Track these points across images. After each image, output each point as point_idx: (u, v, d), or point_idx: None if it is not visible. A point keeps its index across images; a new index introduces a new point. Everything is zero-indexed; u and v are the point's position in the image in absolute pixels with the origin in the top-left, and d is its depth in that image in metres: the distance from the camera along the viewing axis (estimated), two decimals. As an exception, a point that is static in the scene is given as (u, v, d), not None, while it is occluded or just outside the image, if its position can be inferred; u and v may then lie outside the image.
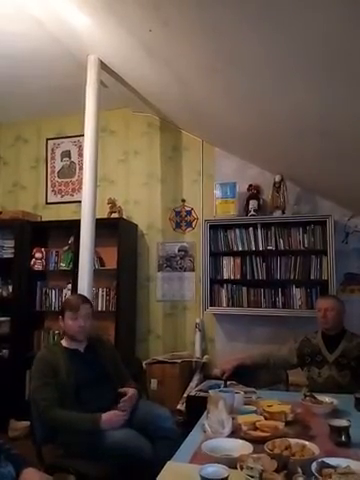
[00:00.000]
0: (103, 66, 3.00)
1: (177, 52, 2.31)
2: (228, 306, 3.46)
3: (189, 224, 3.82)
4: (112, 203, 3.76)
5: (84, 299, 2.21)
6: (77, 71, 3.07)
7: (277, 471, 1.11)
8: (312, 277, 3.28)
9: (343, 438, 1.52)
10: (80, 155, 3.89)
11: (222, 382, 2.42)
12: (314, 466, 1.19)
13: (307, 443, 1.40)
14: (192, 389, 3.04)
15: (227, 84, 2.43)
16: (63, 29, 2.65)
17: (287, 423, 1.62)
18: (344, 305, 2.57)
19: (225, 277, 3.48)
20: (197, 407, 1.88)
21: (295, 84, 2.06)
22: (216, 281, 3.50)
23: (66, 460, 1.89)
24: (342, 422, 1.56)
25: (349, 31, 1.48)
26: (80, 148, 3.87)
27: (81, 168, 3.10)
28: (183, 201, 3.84)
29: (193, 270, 3.75)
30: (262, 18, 1.63)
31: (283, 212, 3.38)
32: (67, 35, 2.72)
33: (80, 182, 3.15)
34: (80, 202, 3.01)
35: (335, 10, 1.41)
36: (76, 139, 4.01)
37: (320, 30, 1.56)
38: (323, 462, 1.21)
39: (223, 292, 3.48)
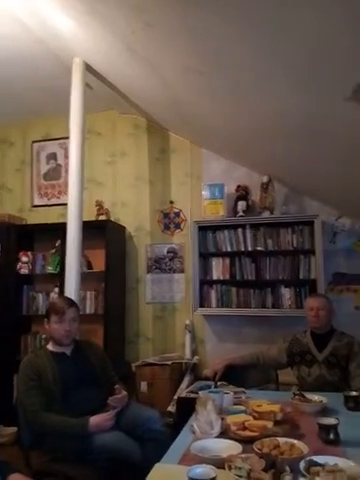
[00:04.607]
0: (88, 68, 2.99)
1: (161, 54, 2.31)
2: (218, 307, 3.45)
3: (178, 225, 3.81)
4: (99, 205, 3.74)
5: (70, 302, 2.18)
6: (62, 73, 3.05)
7: (265, 470, 1.10)
8: (301, 277, 3.29)
9: (332, 436, 1.52)
10: (66, 157, 3.84)
11: (212, 383, 2.42)
12: (302, 464, 1.19)
13: (296, 442, 1.40)
14: (182, 390, 3.02)
15: (212, 85, 2.44)
16: (48, 32, 2.63)
17: (276, 422, 1.62)
18: (332, 304, 2.59)
19: (214, 278, 3.48)
20: (188, 408, 1.87)
21: (280, 85, 2.08)
22: (205, 282, 3.49)
23: (54, 465, 1.86)
24: (331, 420, 1.56)
25: (332, 31, 1.49)
26: (66, 150, 3.83)
27: (67, 170, 3.07)
28: (171, 203, 3.84)
29: (182, 271, 3.74)
30: (245, 20, 1.64)
31: (271, 213, 3.39)
32: (52, 38, 2.70)
33: (66, 184, 3.12)
34: (67, 205, 2.99)
35: (318, 10, 1.42)
36: (62, 141, 3.97)
37: (304, 31, 1.57)
38: (311, 460, 1.21)
39: (212, 293, 3.48)
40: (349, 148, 2.33)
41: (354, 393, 1.96)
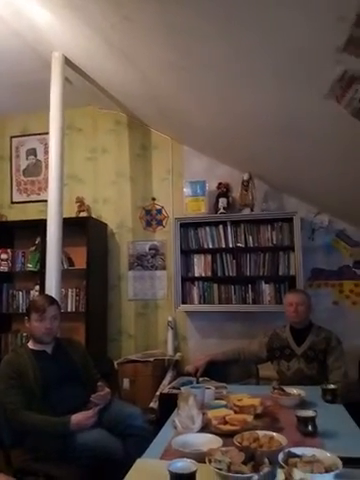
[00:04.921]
0: (68, 62, 2.95)
1: (141, 49, 2.30)
2: (200, 303, 3.48)
3: (160, 222, 3.81)
4: (80, 202, 3.71)
5: (51, 300, 2.16)
6: (41, 67, 3.00)
7: (245, 463, 1.12)
8: (280, 273, 3.35)
9: (310, 428, 1.56)
10: (46, 153, 3.80)
11: (194, 379, 2.44)
12: (281, 456, 1.21)
13: (275, 434, 1.43)
14: (165, 387, 3.04)
15: (192, 82, 2.44)
16: (26, 25, 2.58)
17: (256, 416, 1.65)
18: (311, 299, 2.65)
19: (196, 275, 3.50)
20: (170, 404, 1.88)
21: (259, 83, 2.10)
22: (187, 279, 3.51)
23: (35, 464, 1.84)
24: (309, 413, 1.60)
25: (310, 30, 1.52)
26: (46, 146, 3.78)
27: (47, 166, 3.03)
28: (153, 199, 3.83)
29: (164, 268, 3.75)
30: (225, 16, 1.64)
31: (252, 210, 3.43)
32: (29, 31, 2.65)
33: (46, 181, 3.08)
34: (47, 201, 2.95)
35: (296, 9, 1.44)
36: (42, 137, 3.91)
37: (282, 29, 1.59)
38: (289, 452, 1.24)
39: (194, 290, 3.50)
40: (327, 146, 2.37)
41: (331, 386, 2.02)
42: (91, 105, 3.85)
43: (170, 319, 3.63)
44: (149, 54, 2.33)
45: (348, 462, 1.22)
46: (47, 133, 3.05)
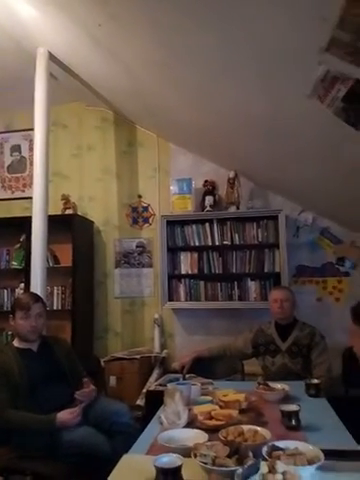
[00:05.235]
0: (53, 58, 2.92)
1: (126, 46, 2.29)
2: (186, 301, 3.49)
3: (146, 220, 3.81)
4: (66, 199, 3.68)
5: (36, 298, 2.15)
6: (26, 63, 2.96)
7: (229, 457, 1.14)
8: (266, 270, 3.38)
9: (293, 422, 1.59)
10: (31, 149, 3.75)
11: (181, 375, 2.46)
12: (264, 449, 1.24)
13: (259, 429, 1.45)
14: (151, 384, 3.04)
15: (177, 79, 2.45)
16: (10, 20, 2.54)
17: (241, 411, 1.67)
18: (295, 296, 2.69)
19: (183, 272, 3.52)
20: (156, 401, 1.88)
21: (243, 82, 2.12)
22: (174, 276, 3.52)
23: (22, 462, 1.84)
24: (292, 407, 1.63)
25: (296, 30, 1.54)
26: (31, 142, 3.73)
27: (32, 163, 2.99)
28: (139, 197, 3.83)
29: (151, 266, 3.75)
30: (209, 14, 1.65)
31: (237, 207, 3.45)
32: (14, 27, 2.61)
33: (31, 177, 3.05)
34: (32, 198, 2.92)
35: (284, 8, 1.45)
36: (26, 133, 3.86)
37: (267, 29, 1.61)
38: (273, 445, 1.26)
39: (181, 287, 3.52)
40: (310, 144, 2.41)
41: (315, 381, 2.05)
42: (77, 102, 3.82)
43: (157, 316, 3.64)
44: (134, 51, 2.33)
45: (330, 454, 1.25)
46: (32, 129, 3.02)
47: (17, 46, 2.87)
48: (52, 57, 2.90)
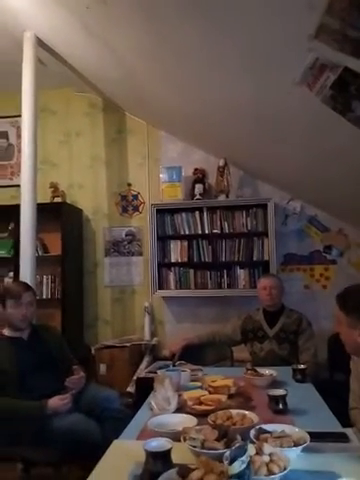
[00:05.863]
0: (40, 43, 2.85)
1: (116, 32, 2.25)
2: (176, 289, 3.51)
3: (136, 208, 3.80)
4: (54, 187, 3.64)
5: (26, 286, 2.15)
6: (13, 48, 2.89)
7: (218, 440, 1.17)
8: (255, 258, 3.41)
9: (280, 406, 1.63)
10: (19, 136, 3.69)
11: (171, 362, 2.49)
12: (252, 432, 1.27)
13: (247, 413, 1.49)
14: (142, 371, 3.08)
15: (166, 67, 2.43)
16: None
17: (230, 396, 1.71)
18: (283, 283, 2.73)
19: (173, 260, 3.52)
20: (147, 388, 1.91)
21: (232, 70, 2.10)
22: (164, 265, 3.53)
23: (12, 448, 1.86)
24: (279, 391, 1.67)
25: (284, 17, 1.53)
26: (18, 129, 3.66)
27: (20, 150, 2.95)
28: (129, 185, 3.81)
29: (141, 254, 3.75)
30: (197, 3, 1.63)
31: (227, 196, 3.46)
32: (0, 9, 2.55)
33: (19, 165, 3.00)
34: (19, 186, 2.88)
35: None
36: (14, 119, 3.79)
37: (256, 16, 1.59)
38: (261, 428, 1.30)
39: (171, 275, 3.53)
40: (298, 132, 2.41)
41: (301, 366, 2.10)
42: (65, 87, 3.75)
43: (147, 304, 3.66)
44: (125, 38, 2.29)
45: (316, 436, 1.29)
46: (19, 116, 2.97)
47: (3, 29, 2.80)
48: (40, 42, 2.84)
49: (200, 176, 3.56)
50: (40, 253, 3.44)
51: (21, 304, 2.03)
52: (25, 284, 2.22)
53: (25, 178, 2.84)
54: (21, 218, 2.83)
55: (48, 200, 3.59)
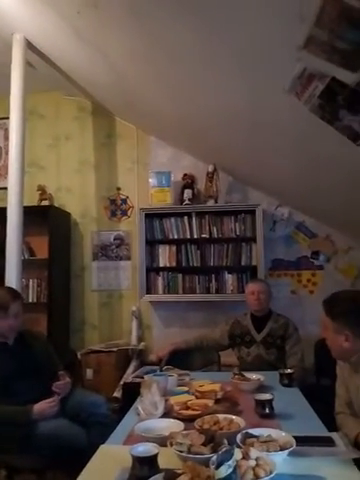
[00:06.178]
0: (30, 46, 2.84)
1: (108, 36, 2.26)
2: (164, 293, 3.50)
3: (124, 212, 3.79)
4: (42, 190, 3.62)
5: (14, 295, 2.10)
6: (1, 50, 2.88)
7: (205, 445, 1.17)
8: (243, 263, 3.43)
9: (267, 410, 1.64)
10: (6, 139, 3.65)
11: (158, 368, 2.48)
12: (239, 437, 1.27)
13: (234, 417, 1.49)
14: (129, 376, 3.05)
15: (157, 73, 2.44)
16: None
17: (217, 401, 1.71)
18: (270, 288, 2.75)
19: (161, 265, 3.52)
20: (133, 393, 1.90)
21: (223, 77, 2.12)
22: (152, 269, 3.52)
23: (-5, 456, 1.82)
24: (266, 396, 1.68)
25: (274, 27, 1.55)
26: (6, 131, 3.63)
27: (7, 153, 2.93)
28: (118, 189, 3.80)
29: (129, 259, 3.74)
30: (192, 7, 1.65)
31: (216, 201, 3.48)
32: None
33: (6, 167, 2.98)
34: (6, 189, 2.86)
35: (263, 6, 1.47)
36: (2, 122, 3.75)
37: (247, 24, 1.62)
38: (247, 433, 1.30)
39: (159, 280, 3.52)
40: (287, 140, 2.44)
41: (288, 371, 2.11)
42: (54, 91, 3.74)
43: (134, 309, 3.64)
44: (116, 42, 2.30)
45: (302, 440, 1.30)
46: (7, 118, 2.95)
47: (-8, 31, 2.79)
48: (29, 44, 2.83)
49: (189, 181, 3.58)
50: (26, 256, 3.40)
51: (9, 315, 1.99)
52: (13, 292, 2.16)
53: (12, 181, 2.81)
54: (8, 221, 2.80)
55: (35, 203, 3.56)
